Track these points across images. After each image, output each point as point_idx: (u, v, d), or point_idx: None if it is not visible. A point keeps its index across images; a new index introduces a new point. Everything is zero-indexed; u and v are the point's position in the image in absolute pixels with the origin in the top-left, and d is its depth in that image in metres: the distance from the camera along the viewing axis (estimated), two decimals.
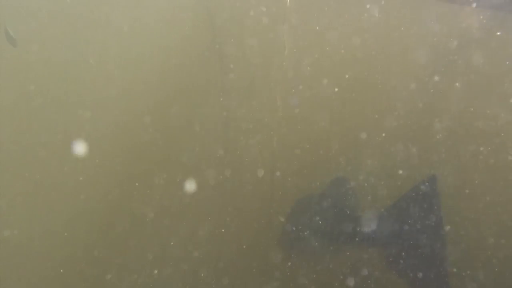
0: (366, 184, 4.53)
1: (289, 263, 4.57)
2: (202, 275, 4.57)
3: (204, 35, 4.71)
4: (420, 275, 4.36)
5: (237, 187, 4.66)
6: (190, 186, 4.56)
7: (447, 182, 4.46)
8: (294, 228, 4.57)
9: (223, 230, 4.61)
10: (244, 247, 4.58)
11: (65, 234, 4.47)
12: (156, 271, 4.58)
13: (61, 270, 4.45)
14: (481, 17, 4.44)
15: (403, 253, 4.42)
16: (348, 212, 4.48)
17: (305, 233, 4.56)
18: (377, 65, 4.55)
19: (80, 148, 4.49)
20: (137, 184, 4.62)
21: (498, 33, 4.42)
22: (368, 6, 4.50)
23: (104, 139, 4.58)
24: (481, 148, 4.45)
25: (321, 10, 4.62)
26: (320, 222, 4.54)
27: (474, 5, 4.41)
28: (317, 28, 4.61)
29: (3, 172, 4.35)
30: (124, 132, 4.61)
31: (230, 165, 4.68)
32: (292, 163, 4.60)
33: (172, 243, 4.58)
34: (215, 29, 4.68)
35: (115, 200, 4.59)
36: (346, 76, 4.58)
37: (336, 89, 4.56)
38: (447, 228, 4.40)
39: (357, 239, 4.46)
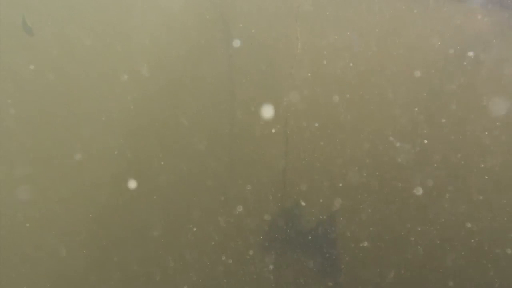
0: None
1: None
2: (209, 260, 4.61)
3: (214, 30, 4.67)
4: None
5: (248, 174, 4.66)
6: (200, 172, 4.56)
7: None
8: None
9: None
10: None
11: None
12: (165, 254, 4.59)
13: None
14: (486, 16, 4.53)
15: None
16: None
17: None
18: (392, 60, 4.58)
19: (84, 146, 4.42)
20: (147, 168, 4.53)
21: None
22: None
23: (109, 137, 4.53)
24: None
25: (335, 5, 4.62)
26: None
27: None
28: (331, 23, 4.62)
29: (8, 169, 4.28)
30: (130, 130, 4.56)
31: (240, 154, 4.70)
32: (305, 159, 4.63)
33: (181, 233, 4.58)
34: (226, 23, 4.64)
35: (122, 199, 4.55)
36: (361, 70, 4.61)
37: (349, 85, 4.59)
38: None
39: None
